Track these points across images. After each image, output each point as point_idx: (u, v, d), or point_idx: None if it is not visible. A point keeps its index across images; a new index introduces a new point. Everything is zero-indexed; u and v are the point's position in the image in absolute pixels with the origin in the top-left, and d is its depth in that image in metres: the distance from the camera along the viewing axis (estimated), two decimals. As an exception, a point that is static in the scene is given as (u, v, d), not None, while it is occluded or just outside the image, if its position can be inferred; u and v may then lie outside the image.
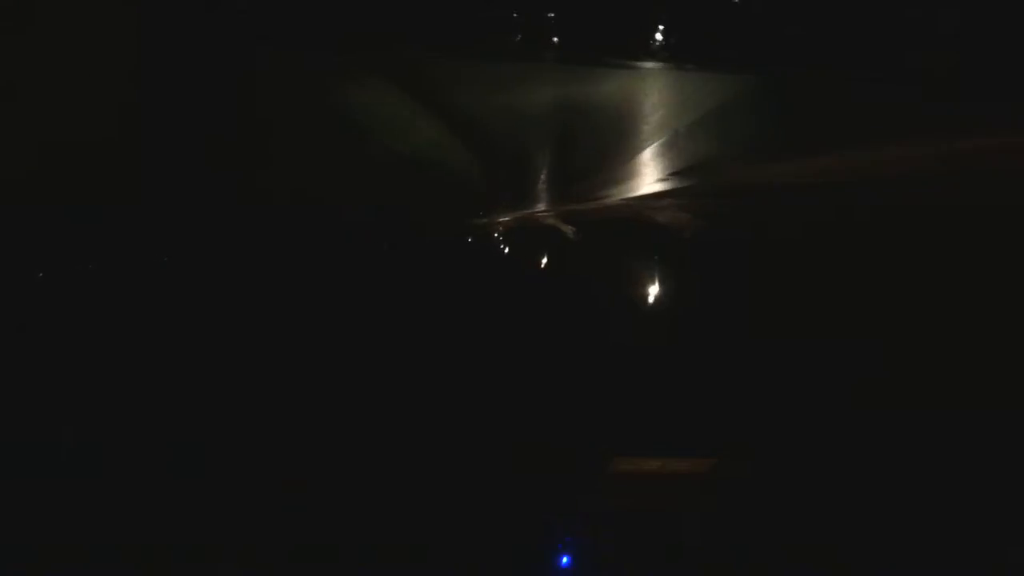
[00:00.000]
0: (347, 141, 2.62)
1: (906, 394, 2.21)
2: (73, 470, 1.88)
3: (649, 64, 2.41)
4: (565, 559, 1.91)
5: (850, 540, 1.96)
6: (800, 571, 1.98)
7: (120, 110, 2.31)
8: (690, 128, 2.66)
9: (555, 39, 2.32)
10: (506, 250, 2.94)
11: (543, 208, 3.17)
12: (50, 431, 1.93)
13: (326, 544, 1.88)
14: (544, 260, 2.91)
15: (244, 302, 2.31)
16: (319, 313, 2.34)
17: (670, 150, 2.75)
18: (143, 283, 2.27)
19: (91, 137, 2.29)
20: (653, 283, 2.70)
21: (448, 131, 2.66)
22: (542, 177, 3.06)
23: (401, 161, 2.69)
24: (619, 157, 2.84)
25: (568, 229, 2.97)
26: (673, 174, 2.87)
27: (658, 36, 2.31)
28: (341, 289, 2.42)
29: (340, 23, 2.16)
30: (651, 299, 2.65)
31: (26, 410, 1.95)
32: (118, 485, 1.90)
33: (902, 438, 2.13)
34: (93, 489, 1.87)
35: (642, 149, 2.76)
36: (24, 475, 1.84)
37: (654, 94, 2.61)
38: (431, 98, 2.55)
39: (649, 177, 2.93)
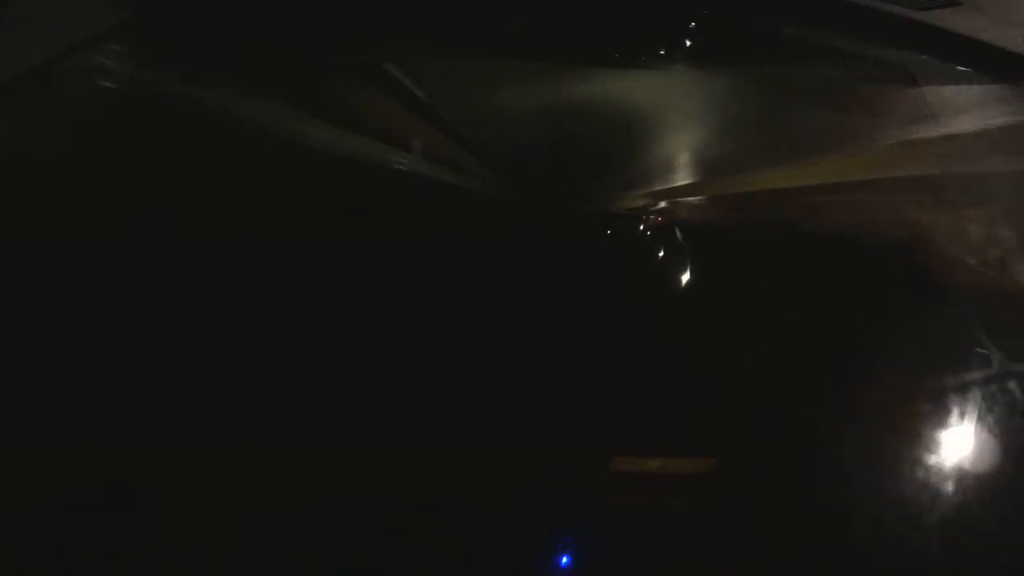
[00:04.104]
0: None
1: (909, 398, 2.21)
2: (72, 470, 1.88)
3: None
4: (565, 559, 1.91)
5: (850, 540, 1.96)
6: (800, 571, 1.98)
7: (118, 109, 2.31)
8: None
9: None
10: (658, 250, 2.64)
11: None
12: (49, 431, 1.93)
13: (324, 543, 1.89)
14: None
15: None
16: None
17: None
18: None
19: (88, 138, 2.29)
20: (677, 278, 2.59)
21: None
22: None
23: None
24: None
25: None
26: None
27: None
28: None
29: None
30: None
31: (26, 410, 1.95)
32: (119, 486, 1.90)
33: (904, 439, 2.13)
34: (92, 490, 1.87)
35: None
36: (24, 475, 1.84)
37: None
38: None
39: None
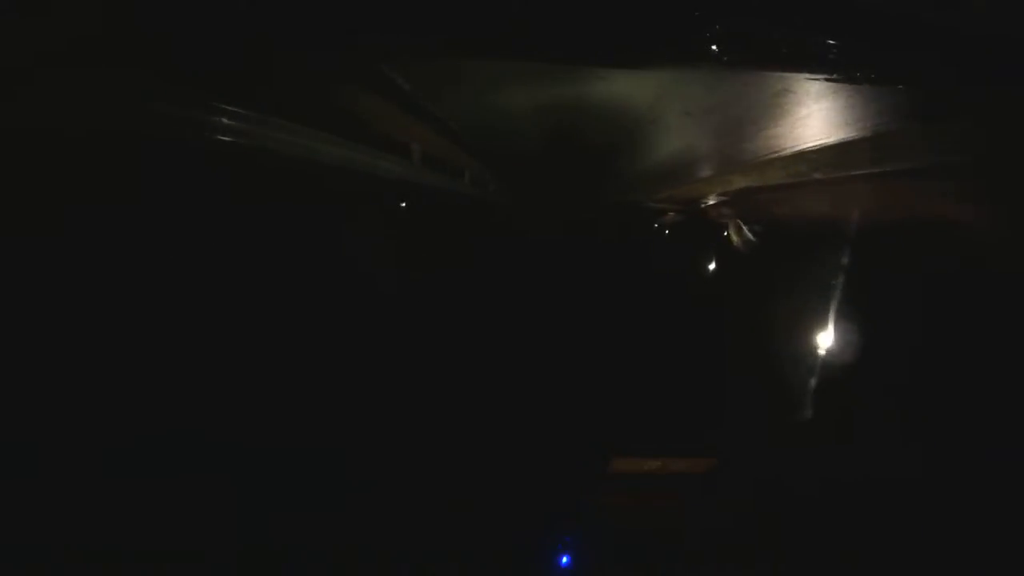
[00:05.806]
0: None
1: (907, 396, 2.21)
2: (73, 469, 1.88)
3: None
4: (565, 559, 1.91)
5: (849, 540, 1.97)
6: (799, 571, 1.99)
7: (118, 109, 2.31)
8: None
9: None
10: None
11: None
12: (50, 431, 1.93)
13: (326, 543, 1.88)
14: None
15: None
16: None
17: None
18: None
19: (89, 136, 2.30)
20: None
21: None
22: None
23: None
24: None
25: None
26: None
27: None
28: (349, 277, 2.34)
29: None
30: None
31: (26, 410, 1.95)
32: (120, 485, 1.90)
33: (903, 439, 2.13)
34: (92, 489, 1.87)
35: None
36: (23, 475, 1.84)
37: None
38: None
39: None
